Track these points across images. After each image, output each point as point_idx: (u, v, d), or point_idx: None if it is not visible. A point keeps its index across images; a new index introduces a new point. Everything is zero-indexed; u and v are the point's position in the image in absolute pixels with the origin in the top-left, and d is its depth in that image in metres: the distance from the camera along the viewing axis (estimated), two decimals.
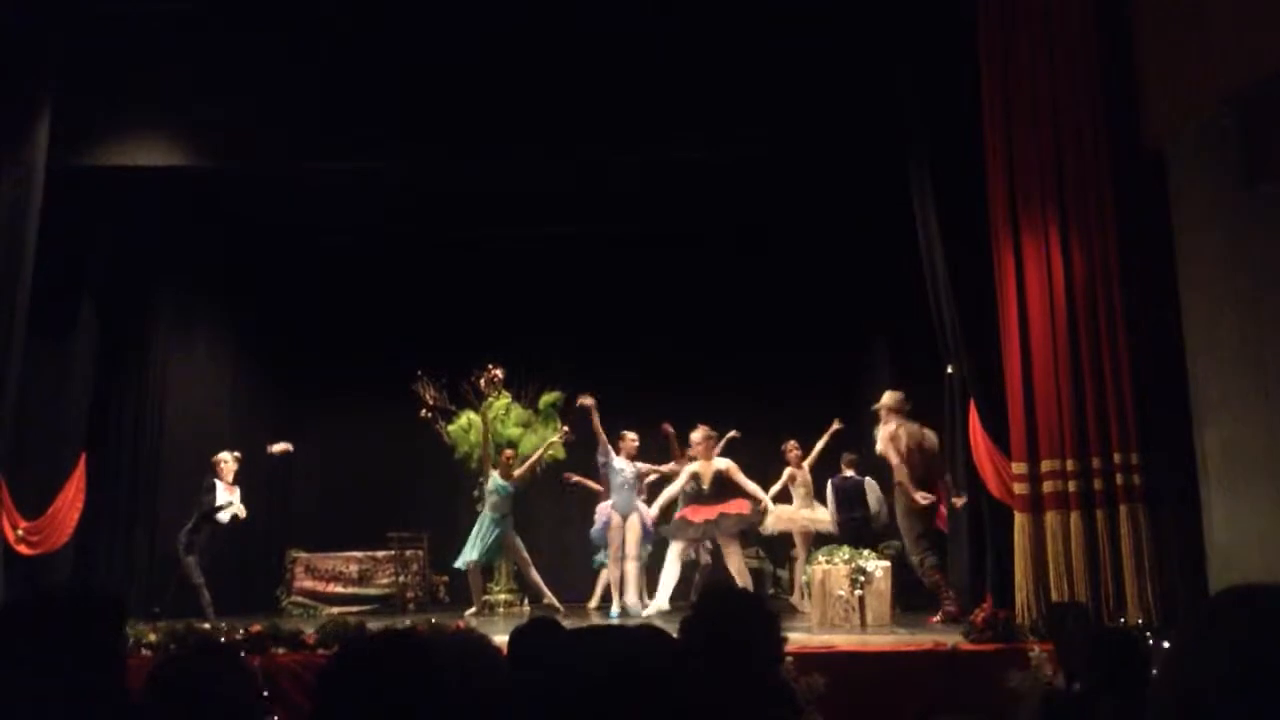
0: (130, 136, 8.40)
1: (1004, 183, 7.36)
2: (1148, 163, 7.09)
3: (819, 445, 9.53)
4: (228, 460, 9.13)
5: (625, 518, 9.05)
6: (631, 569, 8.95)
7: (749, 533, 9.57)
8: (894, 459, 8.01)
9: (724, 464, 8.72)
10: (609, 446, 9.20)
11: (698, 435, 8.80)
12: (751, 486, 8.77)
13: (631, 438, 9.34)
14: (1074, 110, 7.23)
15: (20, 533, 8.22)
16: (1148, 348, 7.04)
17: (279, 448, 9.46)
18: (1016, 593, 7.04)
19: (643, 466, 9.39)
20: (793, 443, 9.52)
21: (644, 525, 9.09)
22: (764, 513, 8.87)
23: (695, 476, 8.70)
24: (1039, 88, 7.31)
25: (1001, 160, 7.38)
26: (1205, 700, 1.35)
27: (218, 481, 9.10)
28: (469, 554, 9.32)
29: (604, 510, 9.40)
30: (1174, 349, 6.91)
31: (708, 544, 9.28)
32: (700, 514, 8.57)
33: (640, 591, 8.98)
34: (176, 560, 8.86)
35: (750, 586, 8.33)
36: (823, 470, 9.58)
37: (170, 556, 9.09)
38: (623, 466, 9.16)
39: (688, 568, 9.09)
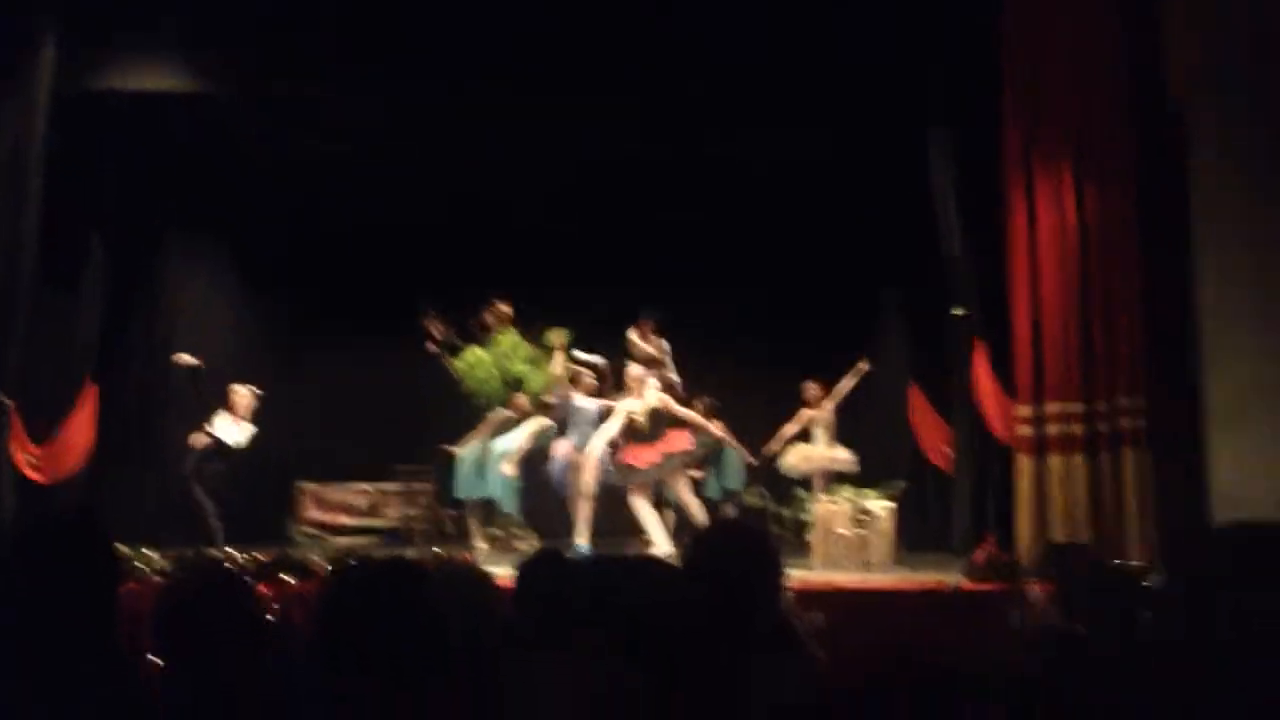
0: (138, 60, 8.32)
1: (1021, 123, 7.28)
2: (1170, 110, 7.01)
3: (843, 385, 9.33)
4: (240, 392, 9.14)
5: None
6: (586, 508, 8.63)
7: (760, 470, 9.57)
8: None
9: (656, 399, 8.48)
10: (568, 384, 9.12)
11: (635, 371, 8.62)
12: (690, 415, 8.57)
13: (590, 375, 9.23)
14: (1096, 54, 7.13)
15: (30, 458, 8.32)
16: (1158, 293, 7.01)
17: (185, 360, 9.00)
18: (1018, 533, 7.09)
19: (603, 403, 9.09)
20: (811, 383, 9.43)
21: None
22: (713, 439, 8.68)
23: (630, 415, 8.46)
24: (1062, 30, 7.20)
25: (1020, 100, 7.28)
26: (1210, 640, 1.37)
27: (224, 410, 9.12)
28: None
29: (564, 450, 9.16)
30: (1184, 295, 6.89)
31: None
32: (643, 458, 8.35)
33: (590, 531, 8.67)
34: (184, 487, 8.92)
35: (703, 518, 8.16)
36: (848, 410, 9.51)
37: (177, 483, 9.18)
38: (585, 404, 9.04)
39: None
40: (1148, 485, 6.85)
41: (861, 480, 8.69)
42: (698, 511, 8.38)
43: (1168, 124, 7.00)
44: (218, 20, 8.11)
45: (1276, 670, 1.43)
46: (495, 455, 9.41)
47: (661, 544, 8.21)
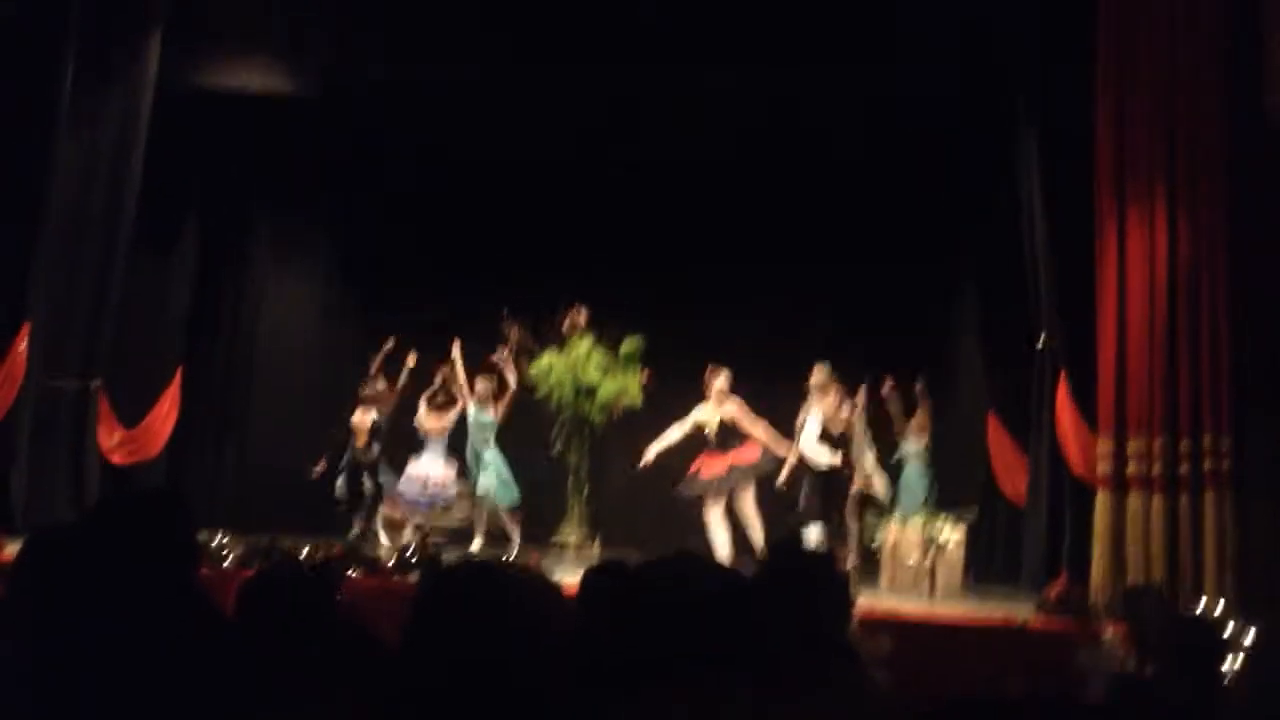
0: (236, 59, 8.59)
1: (1113, 147, 7.11)
2: (1270, 137, 6.79)
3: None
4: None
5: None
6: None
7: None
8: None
9: (731, 410, 8.38)
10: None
11: (720, 380, 8.45)
12: (761, 431, 8.41)
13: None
14: (1194, 77, 6.91)
15: (116, 441, 8.56)
16: (1250, 330, 6.81)
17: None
18: (1092, 571, 6.93)
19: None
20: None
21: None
22: (780, 458, 8.39)
23: (699, 425, 8.40)
24: (1158, 49, 7.01)
25: (1112, 123, 7.11)
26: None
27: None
28: None
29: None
30: (1278, 330, 6.68)
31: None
32: (710, 469, 8.33)
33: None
34: (364, 468, 9.24)
35: (760, 534, 8.14)
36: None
37: (257, 467, 9.43)
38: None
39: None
40: (1228, 529, 6.64)
41: (933, 506, 8.55)
42: (758, 527, 8.33)
43: (1266, 149, 6.79)
44: (311, 21, 8.36)
45: None
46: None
47: (724, 561, 8.17)
